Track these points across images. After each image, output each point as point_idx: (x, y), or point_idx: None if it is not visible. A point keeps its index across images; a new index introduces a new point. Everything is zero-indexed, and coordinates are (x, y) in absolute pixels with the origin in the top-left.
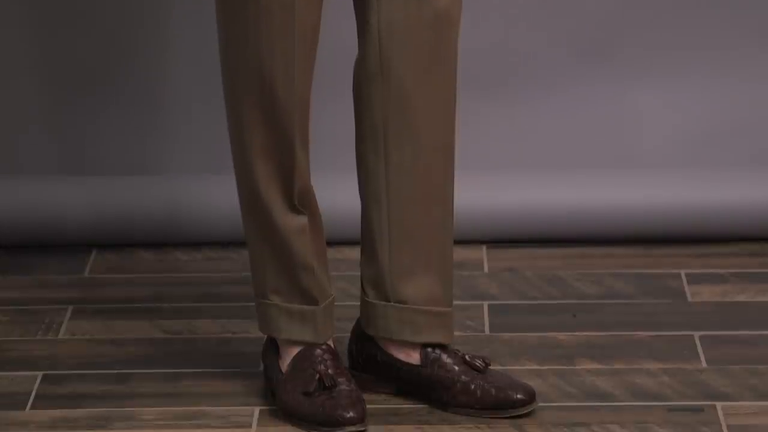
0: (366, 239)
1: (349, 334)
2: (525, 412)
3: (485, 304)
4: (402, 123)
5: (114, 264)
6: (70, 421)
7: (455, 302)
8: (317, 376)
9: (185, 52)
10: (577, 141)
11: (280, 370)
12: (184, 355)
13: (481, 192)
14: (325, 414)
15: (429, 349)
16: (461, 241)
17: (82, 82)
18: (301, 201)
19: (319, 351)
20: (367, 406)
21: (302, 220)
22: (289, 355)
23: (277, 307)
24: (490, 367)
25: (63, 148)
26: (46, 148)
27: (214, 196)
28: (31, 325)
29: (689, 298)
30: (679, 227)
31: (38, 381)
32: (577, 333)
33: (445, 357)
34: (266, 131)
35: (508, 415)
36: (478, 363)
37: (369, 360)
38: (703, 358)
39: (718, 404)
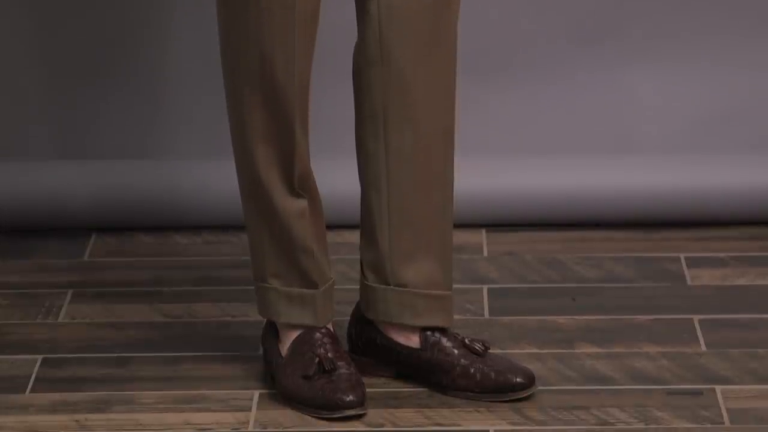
0: (366, 224)
1: (348, 318)
2: (524, 395)
3: (485, 287)
4: (402, 108)
5: (114, 248)
6: (70, 404)
7: (455, 286)
8: (317, 359)
9: (186, 38)
10: (577, 126)
11: (280, 354)
12: (183, 339)
13: (481, 176)
14: (324, 397)
15: (429, 333)
16: (461, 225)
17: (82, 67)
18: (301, 185)
19: (318, 334)
20: (367, 389)
21: (302, 203)
22: (289, 338)
23: (277, 290)
24: (490, 351)
25: (63, 132)
26: (47, 132)
27: (213, 180)
28: (31, 308)
29: (689, 282)
30: (678, 211)
31: (38, 364)
32: (576, 317)
33: (444, 340)
34: (266, 116)
35: (507, 399)
36: (478, 346)
37: (368, 343)
38: (702, 342)
39: (718, 387)
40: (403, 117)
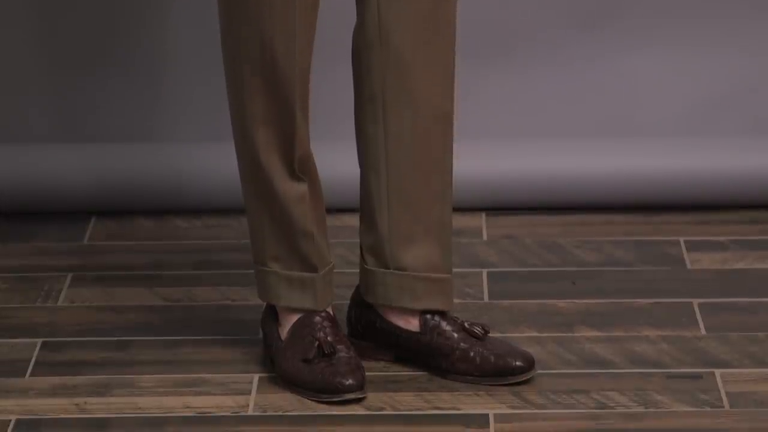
0: (365, 207)
1: (348, 302)
2: (524, 379)
3: (484, 271)
4: (400, 90)
5: (113, 231)
6: (70, 387)
7: (454, 270)
8: (316, 343)
9: (186, 20)
10: (576, 109)
11: (280, 338)
12: (183, 323)
13: (481, 159)
14: (324, 381)
15: (428, 316)
16: (460, 209)
17: (83, 49)
18: (302, 168)
19: (318, 318)
20: (366, 373)
21: (302, 187)
22: (289, 322)
23: (277, 274)
24: (489, 335)
25: (64, 115)
26: (47, 115)
27: (213, 163)
28: (31, 292)
29: (688, 266)
30: (678, 194)
31: (38, 348)
32: (576, 300)
33: (444, 324)
34: (267, 99)
35: (507, 383)
36: (478, 330)
37: (368, 327)
38: (702, 326)
39: (717, 371)
40: (402, 100)
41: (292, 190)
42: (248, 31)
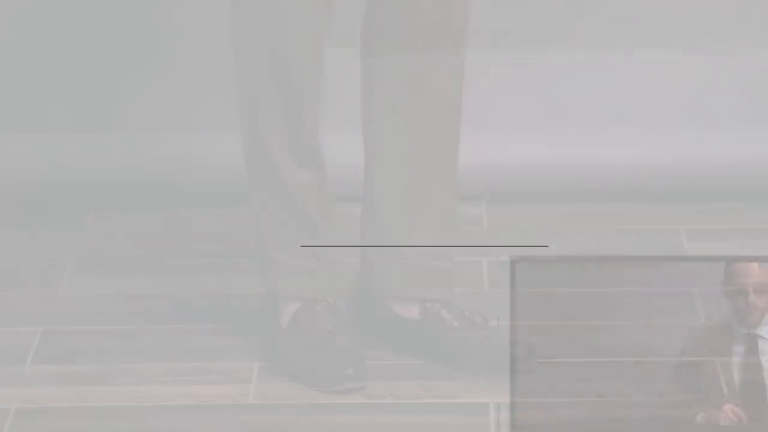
0: (368, 194)
1: (349, 290)
2: (524, 368)
3: (485, 259)
4: (408, 79)
5: (115, 219)
6: (70, 376)
7: (455, 258)
8: (318, 332)
9: (192, 7)
10: (578, 98)
11: (281, 326)
12: (185, 311)
13: (482, 148)
14: (325, 370)
15: (429, 305)
16: (461, 197)
17: (87, 38)
18: (309, 157)
19: (319, 307)
20: (367, 362)
21: (308, 176)
22: (290, 310)
23: (280, 262)
24: (490, 323)
25: (66, 104)
26: (48, 104)
27: (217, 151)
28: (32, 280)
29: (689, 255)
30: (679, 184)
31: (38, 336)
32: (577, 288)
33: (444, 312)
34: (276, 89)
35: (507, 372)
36: (478, 318)
37: (369, 315)
38: (702, 315)
39: (718, 360)
40: (410, 88)
41: (298, 179)
42: (259, 21)
